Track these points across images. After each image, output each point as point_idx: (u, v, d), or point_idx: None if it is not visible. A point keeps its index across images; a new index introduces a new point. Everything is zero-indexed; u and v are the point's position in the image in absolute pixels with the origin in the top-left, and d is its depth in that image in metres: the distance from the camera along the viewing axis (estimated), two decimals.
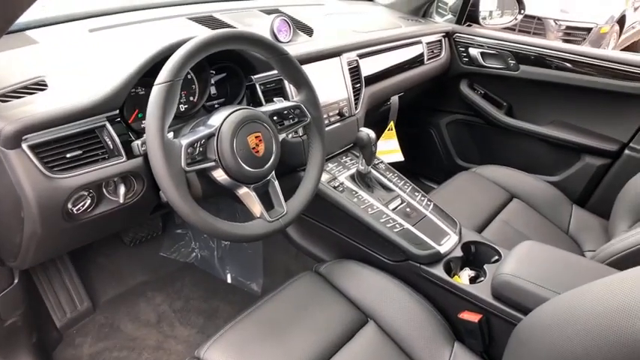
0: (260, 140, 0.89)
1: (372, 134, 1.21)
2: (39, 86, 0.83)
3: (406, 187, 1.32)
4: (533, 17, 4.78)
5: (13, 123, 0.72)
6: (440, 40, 1.80)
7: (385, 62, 1.57)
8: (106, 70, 0.90)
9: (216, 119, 0.87)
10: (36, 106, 0.78)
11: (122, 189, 0.87)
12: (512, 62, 1.73)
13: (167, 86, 0.76)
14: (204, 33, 0.82)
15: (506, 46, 1.73)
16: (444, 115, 2.04)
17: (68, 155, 0.79)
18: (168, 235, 1.62)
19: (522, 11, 1.88)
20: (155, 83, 0.76)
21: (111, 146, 0.85)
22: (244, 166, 0.87)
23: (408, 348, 1.02)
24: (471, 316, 1.04)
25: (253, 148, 0.88)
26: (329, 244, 1.33)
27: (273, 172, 0.95)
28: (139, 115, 0.96)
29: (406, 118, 1.90)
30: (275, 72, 1.14)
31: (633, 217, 1.39)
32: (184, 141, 0.79)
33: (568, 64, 1.63)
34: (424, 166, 2.20)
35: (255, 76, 1.11)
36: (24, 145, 0.74)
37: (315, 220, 1.32)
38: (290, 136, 1.16)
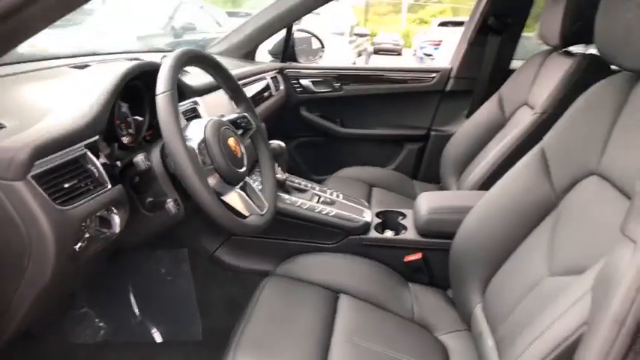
0: (237, 143, 0.97)
1: (283, 144, 1.39)
2: None
3: (315, 186, 1.51)
4: None
5: (24, 148, 0.65)
6: (276, 77, 2.09)
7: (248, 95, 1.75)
8: (58, 104, 0.84)
9: (194, 130, 0.92)
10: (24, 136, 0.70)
11: (116, 218, 0.82)
12: (336, 85, 2.15)
13: (171, 94, 0.80)
14: (178, 50, 0.88)
15: (329, 73, 2.16)
16: (292, 140, 2.32)
17: (66, 185, 0.73)
18: (69, 320, 1.38)
19: (323, 49, 2.36)
20: (158, 93, 0.79)
21: (96, 174, 0.80)
22: (233, 167, 0.93)
23: (381, 302, 1.20)
24: (414, 256, 1.30)
25: (234, 150, 0.96)
26: (268, 253, 1.39)
27: None
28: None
29: None
30: (187, 101, 1.21)
31: (456, 174, 1.91)
32: (190, 144, 0.83)
33: (377, 79, 2.14)
34: None
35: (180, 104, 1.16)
36: (29, 176, 0.66)
37: (248, 235, 1.38)
38: None
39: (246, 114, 1.10)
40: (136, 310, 1.46)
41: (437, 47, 9.37)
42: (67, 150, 0.74)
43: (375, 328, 1.11)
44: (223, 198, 0.96)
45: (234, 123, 1.07)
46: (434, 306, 1.24)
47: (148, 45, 3.84)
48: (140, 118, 1.04)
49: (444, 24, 11.80)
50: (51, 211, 0.68)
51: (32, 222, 0.66)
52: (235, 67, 1.88)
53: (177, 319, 1.46)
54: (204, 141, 0.89)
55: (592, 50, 1.48)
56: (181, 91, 1.15)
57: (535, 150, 1.09)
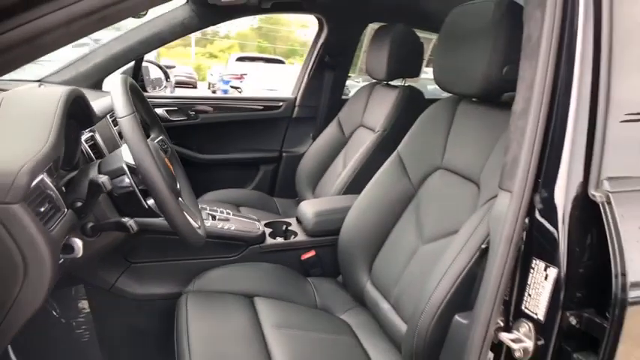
0: (169, 162, 1.04)
1: None
2: None
3: (205, 206, 1.59)
4: None
5: (25, 171, 0.64)
6: None
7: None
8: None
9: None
10: None
11: (79, 242, 0.82)
12: (192, 113, 2.23)
13: (134, 116, 0.85)
14: (121, 76, 0.92)
15: (184, 102, 2.22)
16: None
17: (42, 209, 0.72)
18: None
19: (169, 79, 2.41)
20: (121, 116, 0.83)
21: (55, 199, 0.80)
22: (174, 184, 1.00)
23: (289, 297, 1.38)
24: (309, 254, 1.52)
25: (170, 168, 1.02)
26: (172, 276, 1.41)
27: None
28: None
29: None
30: (87, 130, 1.20)
31: (311, 187, 2.21)
32: None
33: (231, 107, 2.31)
34: None
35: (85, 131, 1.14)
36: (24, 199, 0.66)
37: (149, 261, 1.38)
38: None
39: (163, 137, 1.16)
40: None
41: (241, 80, 9.93)
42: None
43: (293, 318, 1.28)
44: None
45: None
46: (330, 292, 1.47)
47: None
48: None
49: (241, 59, 12.49)
50: (45, 233, 0.68)
51: (31, 245, 0.65)
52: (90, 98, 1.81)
53: None
54: None
55: (408, 82, 1.97)
56: (90, 119, 1.14)
57: (393, 156, 1.43)
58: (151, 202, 0.95)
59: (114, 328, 1.35)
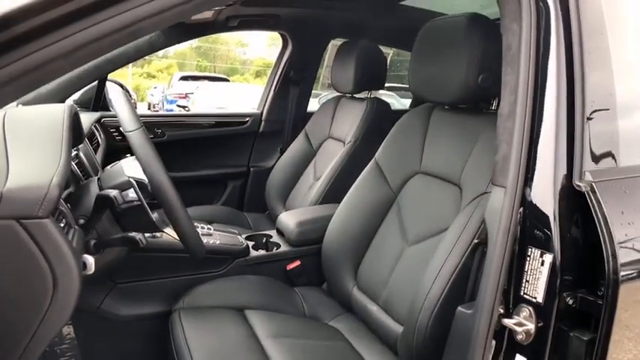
0: None
1: None
2: None
3: None
4: None
5: (55, 185, 0.63)
6: (96, 125, 1.99)
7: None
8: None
9: (131, 167, 0.95)
10: None
11: (90, 259, 0.80)
12: (158, 131, 2.19)
13: (143, 130, 0.85)
14: (116, 91, 0.92)
15: (150, 120, 2.18)
16: None
17: (62, 224, 0.71)
18: None
19: (132, 98, 2.36)
20: (130, 130, 0.83)
21: (67, 215, 0.78)
22: None
23: (278, 308, 1.39)
24: (294, 264, 1.54)
25: None
26: (159, 294, 1.38)
27: None
28: None
29: None
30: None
31: (282, 199, 2.23)
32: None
33: (197, 124, 2.30)
34: None
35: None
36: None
37: (135, 280, 1.35)
38: None
39: None
40: None
41: (186, 100, 9.78)
42: None
43: (286, 327, 1.30)
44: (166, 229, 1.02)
45: None
46: (316, 301, 1.50)
47: None
48: None
49: (185, 78, 12.34)
50: (72, 248, 0.67)
51: (61, 260, 0.64)
52: None
53: None
54: None
55: (374, 94, 2.06)
56: (80, 137, 1.11)
57: (371, 164, 1.49)
58: (154, 215, 0.94)
59: (101, 352, 1.29)
